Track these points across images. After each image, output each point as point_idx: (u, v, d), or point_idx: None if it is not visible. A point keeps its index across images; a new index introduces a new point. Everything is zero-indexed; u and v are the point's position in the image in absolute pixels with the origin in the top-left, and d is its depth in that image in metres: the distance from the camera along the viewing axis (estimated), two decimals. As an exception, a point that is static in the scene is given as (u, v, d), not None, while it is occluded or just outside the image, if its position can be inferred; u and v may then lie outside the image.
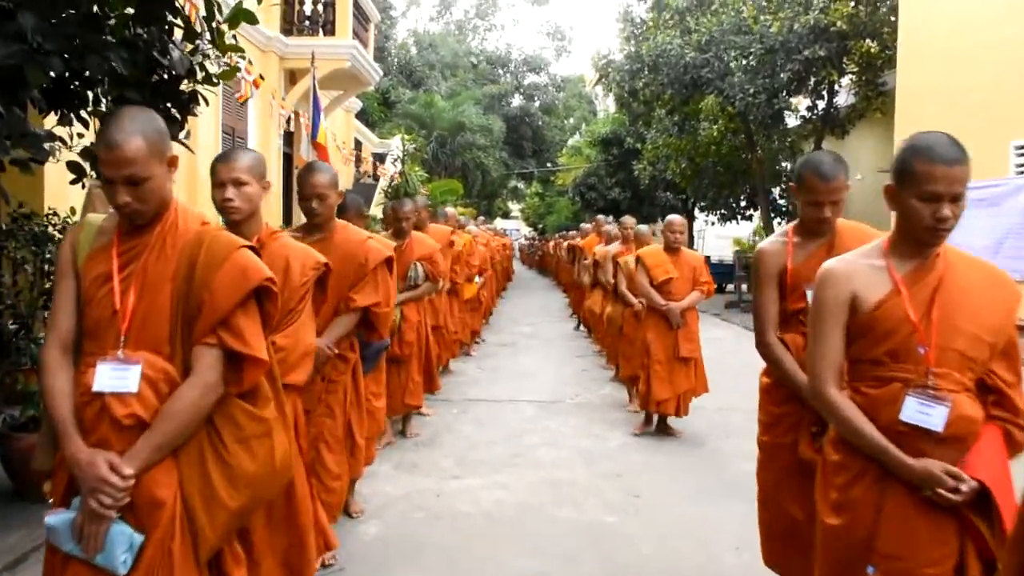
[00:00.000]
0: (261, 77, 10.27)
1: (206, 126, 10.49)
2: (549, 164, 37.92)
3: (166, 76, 3.54)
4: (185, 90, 3.81)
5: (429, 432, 6.29)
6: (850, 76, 16.08)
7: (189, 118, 3.93)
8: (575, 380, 8.80)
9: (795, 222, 3.02)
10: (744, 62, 15.33)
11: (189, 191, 10.13)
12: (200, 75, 3.82)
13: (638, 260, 6.27)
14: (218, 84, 4.01)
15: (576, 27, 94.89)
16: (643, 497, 4.86)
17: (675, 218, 6.23)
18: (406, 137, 18.11)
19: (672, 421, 6.37)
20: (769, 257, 2.92)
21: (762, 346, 2.86)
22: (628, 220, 8.21)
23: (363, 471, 4.12)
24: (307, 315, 2.84)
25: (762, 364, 3.03)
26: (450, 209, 8.23)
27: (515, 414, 7.05)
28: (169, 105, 3.59)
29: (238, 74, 4.48)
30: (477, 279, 9.24)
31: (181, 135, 3.84)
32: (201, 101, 3.96)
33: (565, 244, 17.81)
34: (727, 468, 5.44)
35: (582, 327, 12.81)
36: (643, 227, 7.48)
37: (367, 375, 3.95)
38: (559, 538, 4.16)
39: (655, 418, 6.35)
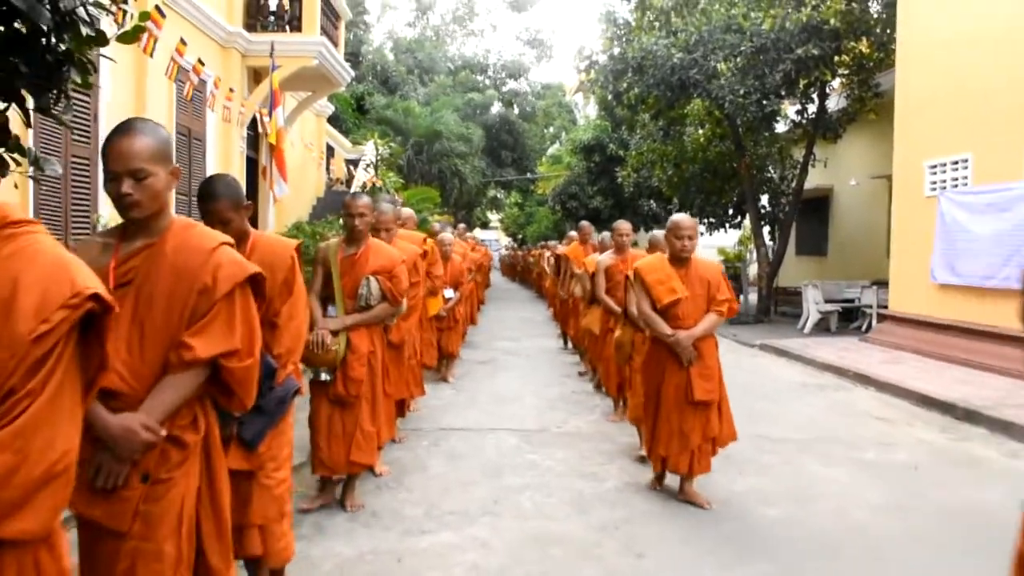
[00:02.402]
0: (200, 68, 9.34)
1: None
2: (529, 173, 37.17)
3: (25, 30, 2.66)
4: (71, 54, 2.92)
5: (395, 470, 5.39)
6: (841, 78, 15.46)
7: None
8: (562, 404, 7.94)
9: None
10: (734, 62, 14.64)
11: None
12: (85, 32, 2.93)
13: (635, 276, 4.89)
14: (108, 45, 3.12)
15: (557, 34, 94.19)
16: (648, 557, 4.01)
17: (682, 219, 4.74)
18: (379, 141, 17.23)
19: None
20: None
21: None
22: (623, 225, 6.92)
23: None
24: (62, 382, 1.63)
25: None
26: (406, 210, 7.18)
27: (495, 446, 6.17)
28: (28, 69, 2.68)
29: (148, 34, 3.56)
30: (449, 293, 8.30)
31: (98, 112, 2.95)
32: (96, 70, 3.09)
33: (548, 254, 17.01)
34: (745, 516, 4.61)
35: (569, 345, 11.82)
36: (658, 233, 5.93)
37: (267, 435, 2.94)
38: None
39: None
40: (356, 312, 4.35)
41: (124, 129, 2.17)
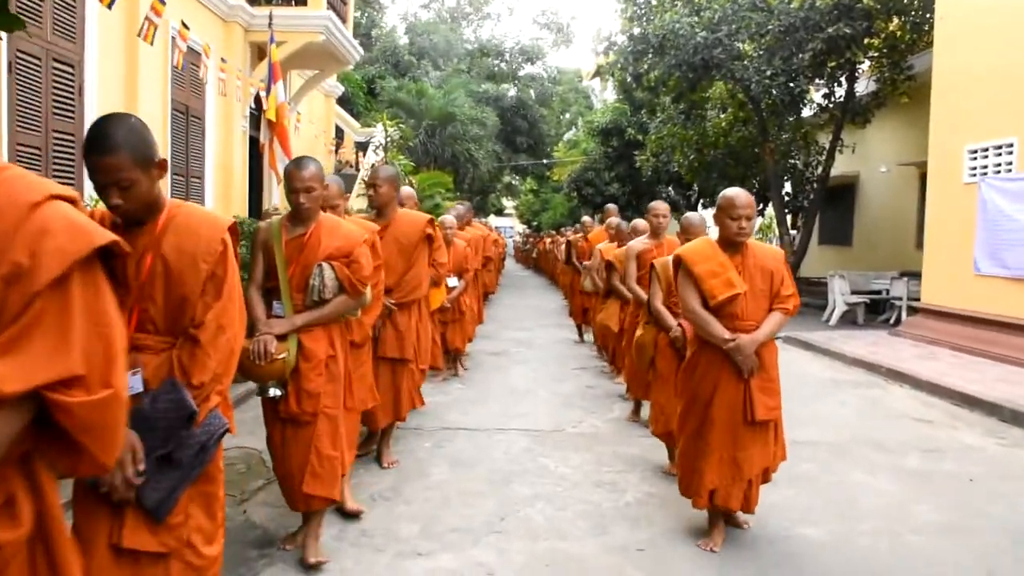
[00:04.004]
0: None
1: (150, 100, 9.08)
2: (544, 160, 36.52)
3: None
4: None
5: (391, 478, 4.88)
6: (870, 60, 14.75)
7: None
8: (577, 400, 7.41)
9: None
10: (760, 41, 13.96)
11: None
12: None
13: (678, 264, 3.90)
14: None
15: (575, 18, 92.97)
16: (678, 587, 3.48)
17: (738, 194, 3.77)
18: (389, 123, 16.65)
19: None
20: None
21: None
22: (660, 206, 6.03)
23: None
24: None
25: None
26: (406, 189, 6.33)
27: (504, 449, 5.64)
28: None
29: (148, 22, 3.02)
30: (453, 281, 7.62)
31: None
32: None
33: (562, 241, 16.44)
34: (785, 537, 4.05)
35: (587, 338, 11.15)
36: (694, 215, 5.15)
37: (181, 498, 2.20)
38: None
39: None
40: (308, 308, 3.47)
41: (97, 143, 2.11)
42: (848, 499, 4.71)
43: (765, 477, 3.95)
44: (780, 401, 3.83)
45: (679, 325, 4.55)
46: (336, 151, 17.30)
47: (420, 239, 4.98)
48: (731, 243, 3.80)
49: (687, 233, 4.95)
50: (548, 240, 25.66)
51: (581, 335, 11.53)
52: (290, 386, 3.40)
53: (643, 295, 5.68)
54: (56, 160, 7.46)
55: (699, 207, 23.11)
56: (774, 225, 20.87)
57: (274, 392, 3.40)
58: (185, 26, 7.97)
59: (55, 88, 7.43)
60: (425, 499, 4.51)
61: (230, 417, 2.42)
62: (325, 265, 3.47)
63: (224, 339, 2.30)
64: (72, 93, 7.69)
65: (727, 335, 3.68)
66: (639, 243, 6.14)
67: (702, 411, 3.82)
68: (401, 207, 5.50)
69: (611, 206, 9.28)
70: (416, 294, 4.97)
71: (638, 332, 5.14)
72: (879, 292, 14.61)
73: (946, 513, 4.50)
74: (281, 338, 3.35)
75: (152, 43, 7.28)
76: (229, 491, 3.77)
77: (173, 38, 8.18)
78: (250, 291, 3.48)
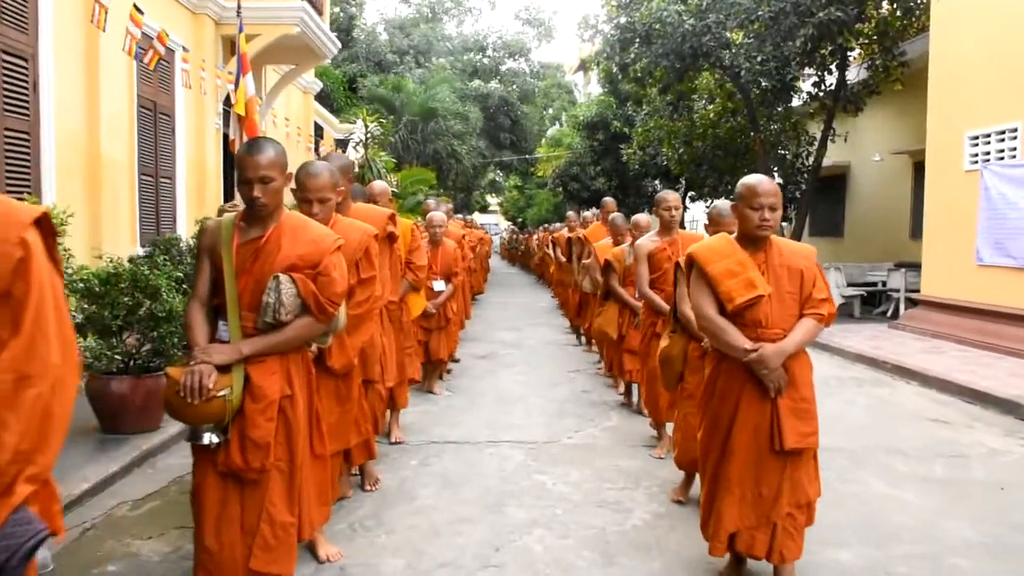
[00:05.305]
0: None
1: (113, 96, 8.55)
2: (528, 156, 36.07)
3: None
4: None
5: (372, 503, 4.42)
6: (860, 47, 14.40)
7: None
8: (572, 407, 6.97)
9: None
10: (749, 28, 13.57)
11: (91, 175, 8.17)
12: None
13: (691, 264, 3.34)
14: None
15: (557, 12, 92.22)
16: (700, 630, 3.05)
17: (760, 181, 3.22)
18: (369, 118, 16.14)
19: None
20: None
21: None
22: (669, 197, 5.33)
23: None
24: None
25: None
26: (379, 183, 5.60)
27: (496, 465, 5.19)
28: None
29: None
30: (439, 285, 7.02)
31: None
32: None
33: (548, 239, 16.00)
34: (814, 563, 3.61)
35: (583, 340, 10.54)
36: (725, 203, 4.32)
37: None
38: None
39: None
40: (260, 332, 2.76)
41: None
42: (876, 515, 4.30)
43: (808, 518, 3.29)
44: (816, 426, 3.19)
45: None
46: (315, 148, 16.77)
47: (379, 239, 4.06)
48: (753, 238, 3.22)
49: (717, 225, 4.24)
50: (537, 237, 25.09)
51: (579, 336, 10.94)
52: (232, 432, 2.70)
53: (660, 302, 5.12)
54: (8, 160, 6.94)
55: (687, 201, 22.70)
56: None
57: (210, 439, 2.70)
58: (138, 9, 7.40)
59: (6, 83, 6.90)
60: (410, 527, 4.05)
61: (54, 514, 1.71)
62: (284, 278, 2.74)
63: (32, 395, 1.59)
64: (26, 88, 7.16)
65: (747, 344, 3.08)
66: (648, 241, 5.41)
67: (722, 440, 3.22)
68: (374, 203, 5.02)
69: (609, 200, 8.73)
70: (378, 303, 4.04)
71: (662, 343, 4.30)
72: (874, 284, 14.29)
73: (985, 529, 4.10)
74: (223, 369, 2.66)
75: (104, 29, 6.74)
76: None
77: (147, 35, 7.64)
78: (192, 309, 2.87)
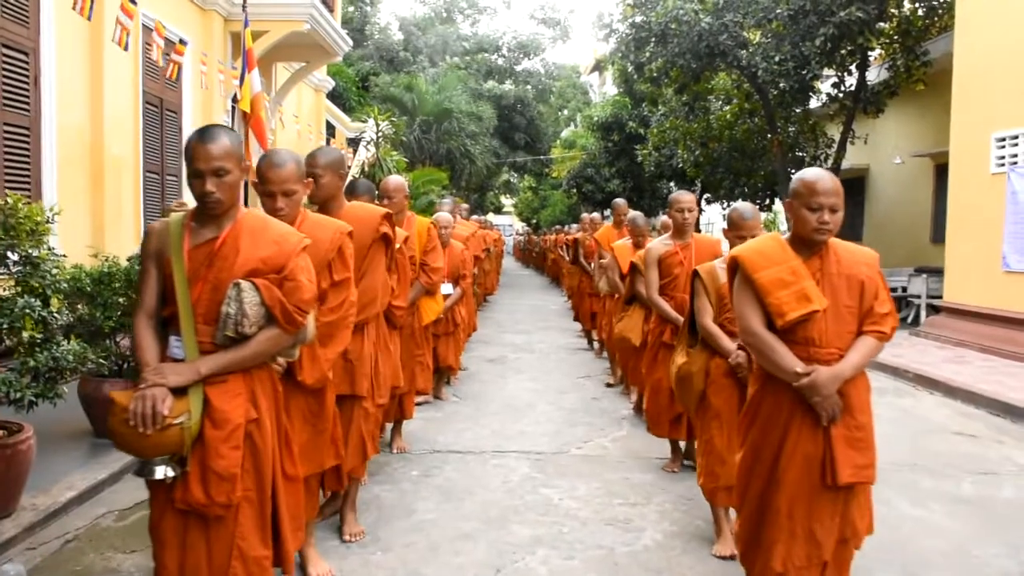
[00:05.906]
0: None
1: (118, 92, 8.39)
2: (542, 156, 35.83)
3: None
4: None
5: (370, 516, 4.20)
6: (882, 46, 14.07)
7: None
8: (582, 416, 6.73)
9: None
10: (767, 27, 13.28)
11: (94, 172, 8.02)
12: None
13: (734, 270, 2.88)
14: None
15: (573, 12, 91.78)
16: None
17: (819, 175, 2.72)
18: (380, 117, 15.95)
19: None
20: None
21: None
22: (683, 197, 4.95)
23: None
24: None
25: None
26: (395, 177, 5.28)
27: (501, 477, 4.96)
28: None
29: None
30: (447, 289, 6.60)
31: None
32: None
33: (562, 240, 15.76)
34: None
35: (595, 346, 10.26)
36: (746, 205, 3.92)
37: None
38: None
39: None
40: (220, 348, 2.41)
41: None
42: (905, 540, 4.04)
43: (850, 553, 2.84)
44: (874, 457, 2.76)
45: (741, 348, 3.51)
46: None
47: (373, 240, 3.71)
48: (808, 242, 2.74)
49: (738, 229, 3.81)
50: (551, 238, 24.75)
51: (591, 342, 10.68)
52: (192, 463, 2.35)
53: (669, 309, 4.83)
54: (8, 156, 6.79)
55: (702, 203, 22.36)
56: (779, 221, 20.25)
57: (164, 472, 2.32)
58: (133, 1, 7.22)
59: (6, 78, 6.75)
60: (407, 545, 3.83)
61: None
62: (246, 285, 2.38)
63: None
64: (26, 83, 7.01)
65: (800, 367, 2.64)
66: (660, 244, 5.08)
67: (768, 470, 2.79)
68: (389, 200, 4.78)
69: (620, 201, 8.43)
70: (370, 311, 3.67)
71: (678, 359, 3.85)
72: (894, 289, 13.96)
73: (1021, 558, 3.84)
74: (179, 392, 2.31)
75: (89, 17, 6.58)
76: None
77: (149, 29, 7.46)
78: (139, 323, 2.49)
